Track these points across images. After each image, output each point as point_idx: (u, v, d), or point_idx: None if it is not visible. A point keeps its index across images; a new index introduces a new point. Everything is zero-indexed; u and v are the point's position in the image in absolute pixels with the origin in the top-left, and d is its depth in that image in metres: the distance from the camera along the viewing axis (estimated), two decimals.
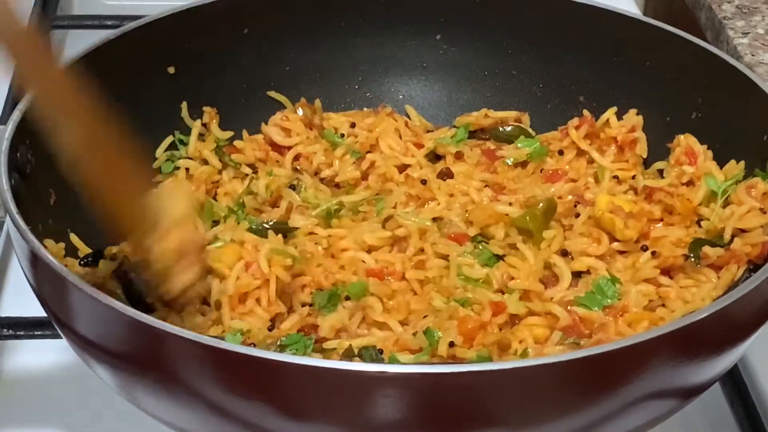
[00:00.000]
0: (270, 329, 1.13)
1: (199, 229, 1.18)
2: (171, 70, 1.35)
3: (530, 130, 1.39)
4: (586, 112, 1.38)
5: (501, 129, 1.38)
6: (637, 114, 1.36)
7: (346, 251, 1.20)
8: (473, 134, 1.39)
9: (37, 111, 1.03)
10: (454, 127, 1.40)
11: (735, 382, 1.27)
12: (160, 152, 1.34)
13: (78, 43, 1.77)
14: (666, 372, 0.96)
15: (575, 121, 1.36)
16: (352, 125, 1.39)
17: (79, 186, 1.04)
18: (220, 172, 1.34)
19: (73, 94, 1.03)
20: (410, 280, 1.17)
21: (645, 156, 1.34)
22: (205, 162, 1.34)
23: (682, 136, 1.31)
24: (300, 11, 1.42)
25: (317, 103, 1.43)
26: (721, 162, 1.28)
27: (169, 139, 1.36)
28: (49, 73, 1.02)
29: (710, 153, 1.29)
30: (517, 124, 1.39)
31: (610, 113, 1.36)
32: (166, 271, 1.05)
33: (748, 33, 1.74)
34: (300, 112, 1.40)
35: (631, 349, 0.93)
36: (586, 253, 1.19)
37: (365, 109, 1.44)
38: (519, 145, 1.35)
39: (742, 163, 1.25)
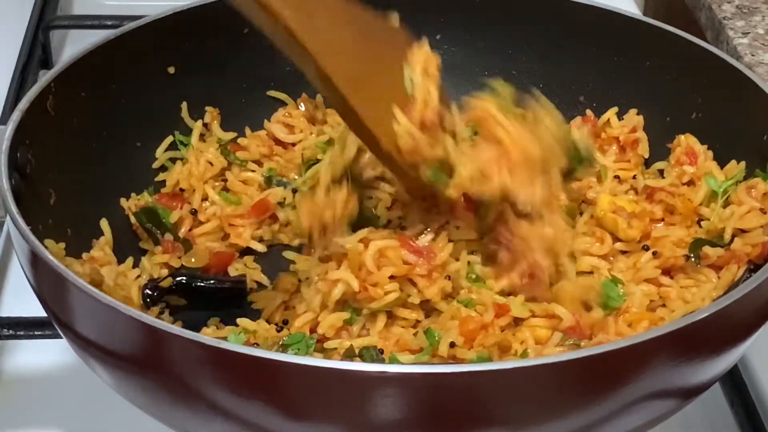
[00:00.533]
0: (278, 330, 1.14)
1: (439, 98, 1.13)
2: (171, 70, 1.35)
3: None
4: (588, 111, 1.38)
5: None
6: (637, 114, 1.36)
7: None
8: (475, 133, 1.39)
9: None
10: None
11: (735, 382, 1.27)
12: (160, 152, 1.34)
13: (78, 43, 1.77)
14: (666, 372, 0.96)
15: (577, 120, 1.36)
16: None
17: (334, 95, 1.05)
18: (224, 170, 1.35)
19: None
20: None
21: (647, 156, 1.34)
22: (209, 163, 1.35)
23: (682, 136, 1.31)
24: None
25: (318, 98, 1.43)
26: (721, 162, 1.28)
27: (169, 139, 1.36)
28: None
29: (710, 153, 1.29)
30: None
31: (611, 113, 1.36)
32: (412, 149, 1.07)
33: (748, 33, 1.74)
34: (302, 107, 1.41)
35: (631, 349, 0.93)
36: (589, 253, 1.19)
37: None
38: None
39: (742, 164, 1.25)
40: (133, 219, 1.28)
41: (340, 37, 1.04)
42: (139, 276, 1.21)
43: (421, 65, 1.10)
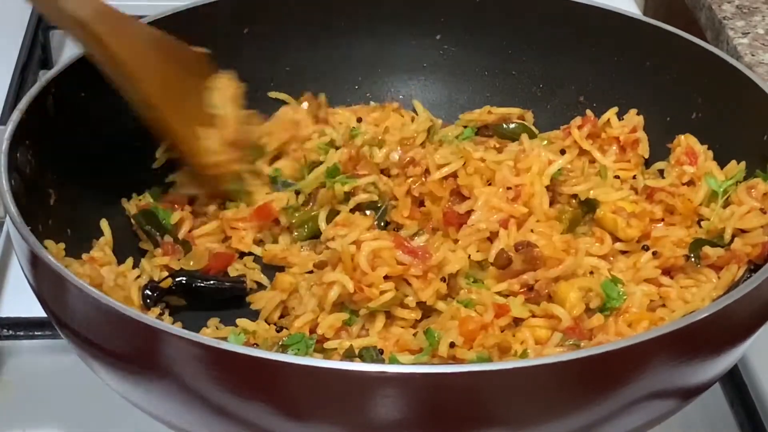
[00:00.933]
0: (278, 330, 1.14)
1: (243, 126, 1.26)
2: None
3: (533, 128, 1.39)
4: (588, 112, 1.38)
5: (505, 126, 1.38)
6: (638, 114, 1.36)
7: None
8: (476, 132, 1.39)
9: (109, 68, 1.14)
10: (461, 126, 1.40)
11: (735, 382, 1.27)
12: (160, 152, 1.34)
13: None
14: (666, 372, 0.96)
15: (578, 120, 1.36)
16: (359, 120, 1.39)
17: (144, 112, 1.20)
18: None
19: (147, 45, 1.16)
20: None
21: (647, 156, 1.34)
22: None
23: (682, 136, 1.31)
24: (300, 11, 1.42)
25: (321, 96, 1.43)
26: (721, 162, 1.28)
27: None
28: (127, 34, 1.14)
29: (710, 153, 1.29)
30: (520, 121, 1.39)
31: (611, 113, 1.36)
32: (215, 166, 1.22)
33: (748, 33, 1.74)
34: (305, 105, 1.41)
35: (631, 349, 0.93)
36: (590, 253, 1.19)
37: (372, 104, 1.45)
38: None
39: (742, 164, 1.25)
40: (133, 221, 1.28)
41: (152, 58, 1.16)
42: (138, 276, 1.21)
43: (223, 91, 1.23)
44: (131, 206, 1.29)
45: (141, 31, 1.15)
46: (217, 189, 1.26)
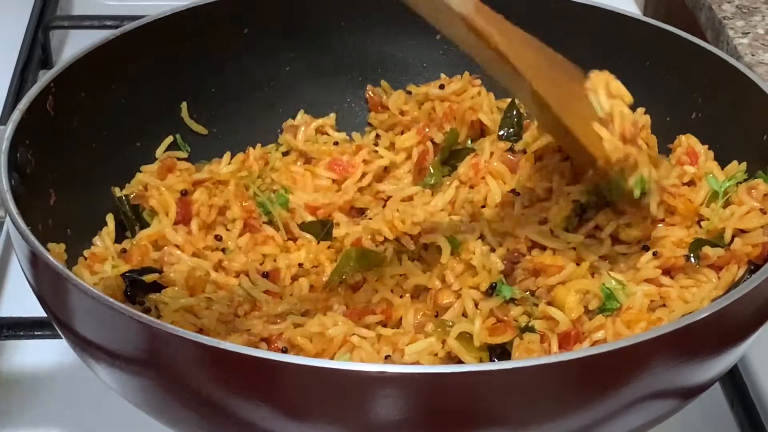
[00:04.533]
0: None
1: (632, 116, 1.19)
2: (171, 70, 1.35)
3: None
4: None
5: None
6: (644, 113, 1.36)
7: None
8: None
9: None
10: None
11: (735, 382, 1.27)
12: (160, 152, 1.34)
13: (78, 43, 1.77)
14: (666, 372, 0.96)
15: None
16: (441, 87, 1.40)
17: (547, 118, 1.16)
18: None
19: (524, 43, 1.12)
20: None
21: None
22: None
23: (683, 137, 1.31)
24: (300, 11, 1.42)
25: (384, 83, 1.45)
26: (720, 162, 1.28)
27: (169, 139, 1.36)
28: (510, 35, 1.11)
29: (711, 153, 1.29)
30: None
31: None
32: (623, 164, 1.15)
33: (748, 33, 1.74)
34: (370, 94, 1.45)
35: (631, 349, 0.93)
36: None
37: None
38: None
39: (743, 164, 1.25)
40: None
41: (539, 62, 1.12)
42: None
43: (604, 88, 1.16)
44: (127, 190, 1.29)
45: (518, 31, 1.12)
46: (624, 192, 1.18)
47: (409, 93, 1.43)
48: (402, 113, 1.40)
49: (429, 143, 1.36)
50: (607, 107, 1.15)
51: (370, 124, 1.45)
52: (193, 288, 1.16)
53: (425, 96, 1.40)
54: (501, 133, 1.36)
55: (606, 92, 1.16)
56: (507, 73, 1.10)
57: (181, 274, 1.17)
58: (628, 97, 1.16)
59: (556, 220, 1.21)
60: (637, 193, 1.16)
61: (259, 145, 1.38)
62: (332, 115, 1.44)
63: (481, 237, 1.20)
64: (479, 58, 1.13)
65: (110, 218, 1.25)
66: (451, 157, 1.36)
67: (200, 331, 1.09)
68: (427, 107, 1.40)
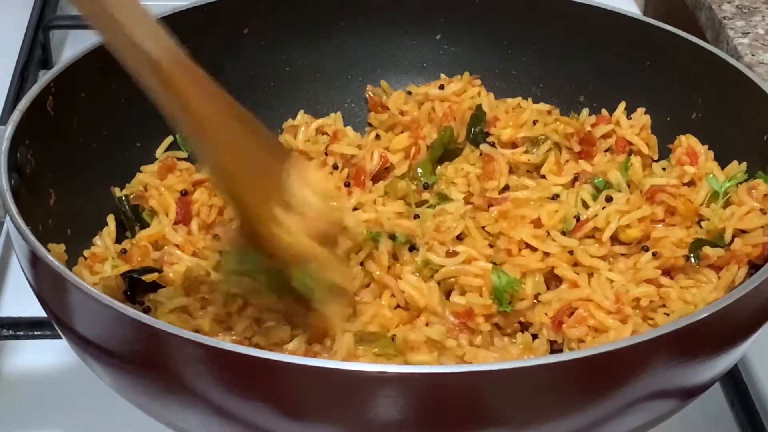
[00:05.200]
0: None
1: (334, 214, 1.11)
2: None
3: None
4: (604, 111, 1.38)
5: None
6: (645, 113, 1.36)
7: None
8: None
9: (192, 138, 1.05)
10: None
11: (735, 382, 1.27)
12: (160, 152, 1.34)
13: (78, 43, 1.77)
14: (666, 372, 0.96)
15: (592, 118, 1.37)
16: (441, 87, 1.40)
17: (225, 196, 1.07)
18: None
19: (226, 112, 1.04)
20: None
21: (656, 158, 1.34)
22: None
23: (683, 137, 1.31)
24: (300, 11, 1.42)
25: (384, 84, 1.45)
26: (720, 162, 1.28)
27: (169, 139, 1.36)
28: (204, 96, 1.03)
29: (711, 153, 1.29)
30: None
31: (620, 111, 1.36)
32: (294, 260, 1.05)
33: (748, 33, 1.74)
34: (370, 94, 1.44)
35: (631, 349, 0.93)
36: (589, 254, 1.19)
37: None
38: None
39: (743, 164, 1.25)
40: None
41: (228, 119, 1.04)
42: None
43: (305, 178, 1.08)
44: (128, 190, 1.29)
45: (217, 89, 1.05)
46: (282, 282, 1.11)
47: (409, 93, 1.43)
48: (402, 113, 1.40)
49: (421, 142, 1.35)
50: (301, 197, 1.06)
51: (370, 124, 1.45)
52: (189, 288, 1.16)
53: (425, 96, 1.40)
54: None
55: (302, 181, 1.07)
56: (195, 131, 1.03)
57: (180, 275, 1.17)
58: (325, 192, 1.09)
59: (552, 222, 1.21)
60: (299, 288, 1.08)
61: None
62: (332, 116, 1.44)
63: (460, 237, 1.20)
64: (169, 112, 1.04)
65: (111, 219, 1.25)
66: (446, 156, 1.36)
67: (196, 331, 1.09)
68: (427, 107, 1.40)
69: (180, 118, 1.03)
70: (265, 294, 1.11)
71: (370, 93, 1.45)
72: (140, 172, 1.31)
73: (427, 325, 1.14)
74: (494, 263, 1.16)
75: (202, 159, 1.07)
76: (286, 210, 1.04)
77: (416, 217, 1.26)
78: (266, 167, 1.06)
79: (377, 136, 1.41)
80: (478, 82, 1.41)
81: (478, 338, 1.14)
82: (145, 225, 1.26)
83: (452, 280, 1.16)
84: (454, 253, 1.17)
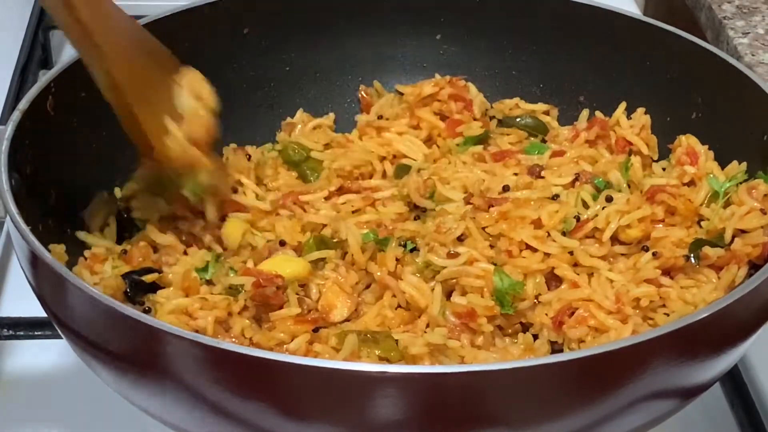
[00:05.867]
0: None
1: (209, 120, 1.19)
2: None
3: (554, 124, 1.41)
4: (598, 113, 1.38)
5: (520, 120, 1.40)
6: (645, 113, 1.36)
7: None
8: (499, 122, 1.42)
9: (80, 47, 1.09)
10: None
11: (735, 382, 1.27)
12: None
13: None
14: (666, 372, 0.96)
15: (585, 124, 1.37)
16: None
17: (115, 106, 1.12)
18: None
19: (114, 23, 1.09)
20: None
21: (656, 158, 1.34)
22: None
23: (683, 137, 1.31)
24: (300, 11, 1.42)
25: (377, 84, 1.45)
26: (720, 162, 1.28)
27: None
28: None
29: (711, 153, 1.29)
30: (535, 116, 1.41)
31: (620, 112, 1.36)
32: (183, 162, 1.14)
33: (748, 33, 1.74)
34: (363, 94, 1.45)
35: (631, 349, 0.93)
36: (589, 254, 1.19)
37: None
38: (529, 152, 1.35)
39: (743, 164, 1.25)
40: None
41: (120, 35, 1.10)
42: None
43: (190, 86, 1.17)
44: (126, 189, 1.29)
45: (113, 7, 1.10)
46: (177, 192, 1.21)
47: (401, 94, 1.43)
48: (379, 118, 1.40)
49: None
50: (187, 106, 1.15)
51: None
52: (188, 289, 1.16)
53: (417, 96, 1.40)
54: None
55: (190, 91, 1.16)
56: (88, 47, 1.08)
57: (179, 275, 1.17)
58: (212, 103, 1.17)
59: (552, 222, 1.21)
60: (190, 197, 1.19)
61: (254, 146, 1.38)
62: (330, 115, 1.44)
63: (461, 238, 1.20)
64: (66, 29, 1.09)
65: (112, 219, 1.25)
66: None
67: (196, 331, 1.09)
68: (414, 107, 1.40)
69: (71, 30, 1.07)
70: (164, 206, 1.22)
71: (363, 93, 1.45)
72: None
73: (428, 326, 1.14)
74: (495, 263, 1.16)
75: (93, 74, 1.12)
76: (176, 120, 1.14)
77: (417, 218, 1.26)
78: (155, 79, 1.13)
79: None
80: (462, 83, 1.41)
81: (479, 339, 1.13)
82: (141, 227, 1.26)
83: (453, 281, 1.16)
84: (456, 255, 1.17)
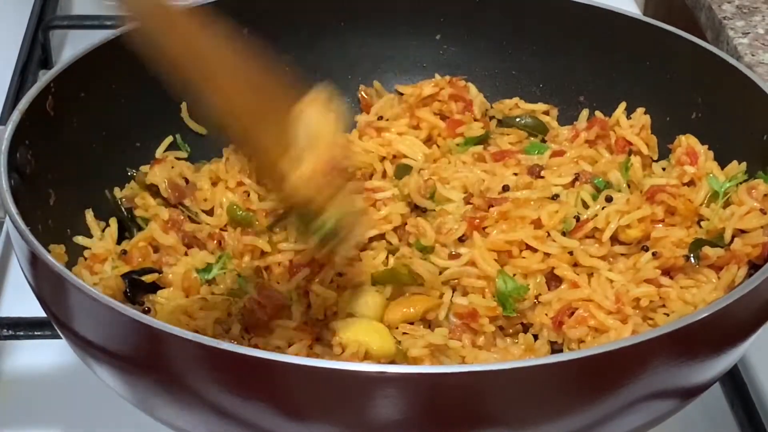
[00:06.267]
0: None
1: (341, 147, 1.07)
2: None
3: (554, 124, 1.41)
4: (598, 113, 1.38)
5: (520, 120, 1.40)
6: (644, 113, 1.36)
7: None
8: (499, 122, 1.42)
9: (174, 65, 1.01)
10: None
11: (735, 382, 1.27)
12: (160, 152, 1.34)
13: (78, 43, 1.77)
14: (666, 372, 0.96)
15: (584, 124, 1.37)
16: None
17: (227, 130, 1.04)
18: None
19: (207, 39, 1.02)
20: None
21: (656, 158, 1.34)
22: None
23: (683, 137, 1.31)
24: (300, 11, 1.42)
25: (377, 84, 1.45)
26: (720, 162, 1.28)
27: (169, 139, 1.36)
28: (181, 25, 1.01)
29: (711, 153, 1.29)
30: (535, 116, 1.41)
31: (620, 112, 1.36)
32: (307, 201, 1.02)
33: (748, 33, 1.74)
34: (364, 94, 1.45)
35: (631, 349, 0.93)
36: (589, 254, 1.19)
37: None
38: (529, 152, 1.35)
39: (743, 164, 1.25)
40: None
41: (242, 75, 1.03)
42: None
43: (318, 113, 1.05)
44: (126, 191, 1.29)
45: (220, 33, 1.03)
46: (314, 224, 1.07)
47: (401, 94, 1.43)
48: (379, 119, 1.40)
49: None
50: (311, 134, 1.03)
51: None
52: (189, 289, 1.16)
53: (418, 97, 1.40)
54: None
55: (316, 116, 1.04)
56: (197, 70, 1.00)
57: (179, 276, 1.17)
58: (340, 127, 1.06)
59: (552, 222, 1.21)
60: (314, 238, 1.05)
61: None
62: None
63: (462, 238, 1.20)
64: (179, 58, 1.01)
65: (113, 220, 1.25)
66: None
67: (195, 331, 1.09)
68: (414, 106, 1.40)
69: (185, 63, 1.01)
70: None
71: (363, 93, 1.45)
72: (138, 172, 1.30)
73: (429, 325, 1.14)
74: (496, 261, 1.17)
75: (212, 109, 1.03)
76: (299, 149, 1.02)
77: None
78: (276, 107, 1.04)
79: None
80: (462, 83, 1.41)
81: (480, 339, 1.13)
82: (142, 227, 1.26)
83: (455, 281, 1.17)
84: (457, 255, 1.17)
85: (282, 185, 1.02)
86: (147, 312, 1.13)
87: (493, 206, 1.22)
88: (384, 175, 1.34)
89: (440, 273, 1.17)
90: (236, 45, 1.02)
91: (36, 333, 1.27)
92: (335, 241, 1.05)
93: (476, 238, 1.19)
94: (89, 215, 1.24)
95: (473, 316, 1.13)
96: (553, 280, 1.18)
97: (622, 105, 1.36)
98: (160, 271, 1.19)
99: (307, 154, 1.02)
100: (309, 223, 1.04)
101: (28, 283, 1.06)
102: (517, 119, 1.40)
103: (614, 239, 1.21)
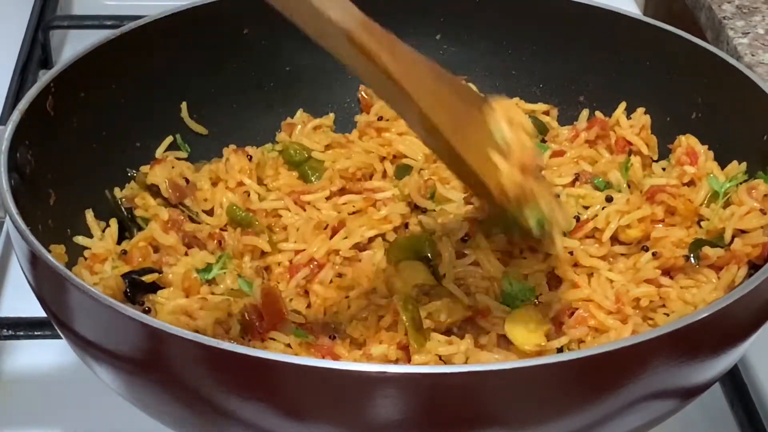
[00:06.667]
0: None
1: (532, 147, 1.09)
2: (171, 69, 1.35)
3: (554, 124, 1.40)
4: (598, 113, 1.38)
5: None
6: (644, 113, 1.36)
7: None
8: None
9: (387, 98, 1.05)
10: None
11: (735, 382, 1.27)
12: (160, 152, 1.34)
13: (78, 43, 1.78)
14: (666, 372, 0.96)
15: (584, 124, 1.37)
16: None
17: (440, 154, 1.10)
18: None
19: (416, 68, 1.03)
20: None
21: (656, 158, 1.34)
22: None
23: (683, 137, 1.31)
24: None
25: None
26: (720, 162, 1.28)
27: (169, 139, 1.36)
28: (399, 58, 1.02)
29: (711, 153, 1.29)
30: (535, 116, 1.40)
31: (620, 112, 1.36)
32: (518, 200, 1.05)
33: (748, 33, 1.74)
34: (363, 94, 1.45)
35: (631, 349, 0.93)
36: (589, 254, 1.19)
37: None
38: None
39: (743, 164, 1.25)
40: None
41: (430, 83, 1.04)
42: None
43: (506, 116, 1.08)
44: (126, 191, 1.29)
45: (410, 51, 1.04)
46: (522, 227, 1.10)
47: None
48: (380, 119, 1.40)
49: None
50: (507, 136, 1.06)
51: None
52: (189, 289, 1.16)
53: None
54: None
55: (507, 120, 1.07)
56: (395, 94, 1.01)
57: (179, 276, 1.17)
58: (530, 127, 1.09)
59: None
60: (536, 230, 1.07)
61: (254, 147, 1.38)
62: (330, 115, 1.44)
63: (467, 237, 1.20)
64: (367, 79, 1.05)
65: (113, 221, 1.25)
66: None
67: (195, 331, 1.09)
68: None
69: (379, 82, 1.02)
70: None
71: (363, 93, 1.45)
72: (138, 172, 1.31)
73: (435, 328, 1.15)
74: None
75: (410, 122, 1.07)
76: (498, 152, 1.05)
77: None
78: (468, 114, 1.06)
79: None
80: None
81: (484, 338, 1.13)
82: (142, 227, 1.26)
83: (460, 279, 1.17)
84: (462, 255, 1.17)
85: (490, 189, 1.05)
86: (147, 312, 1.13)
87: None
88: (384, 175, 1.34)
89: (443, 275, 1.17)
90: (420, 59, 1.04)
91: (36, 333, 1.27)
92: (547, 228, 1.08)
93: (479, 239, 1.19)
94: (89, 215, 1.24)
95: (484, 313, 1.13)
96: (552, 280, 1.18)
97: (622, 105, 1.36)
98: (160, 271, 1.19)
99: (509, 158, 1.05)
100: (516, 220, 1.07)
101: (28, 283, 1.06)
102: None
103: (614, 239, 1.21)
